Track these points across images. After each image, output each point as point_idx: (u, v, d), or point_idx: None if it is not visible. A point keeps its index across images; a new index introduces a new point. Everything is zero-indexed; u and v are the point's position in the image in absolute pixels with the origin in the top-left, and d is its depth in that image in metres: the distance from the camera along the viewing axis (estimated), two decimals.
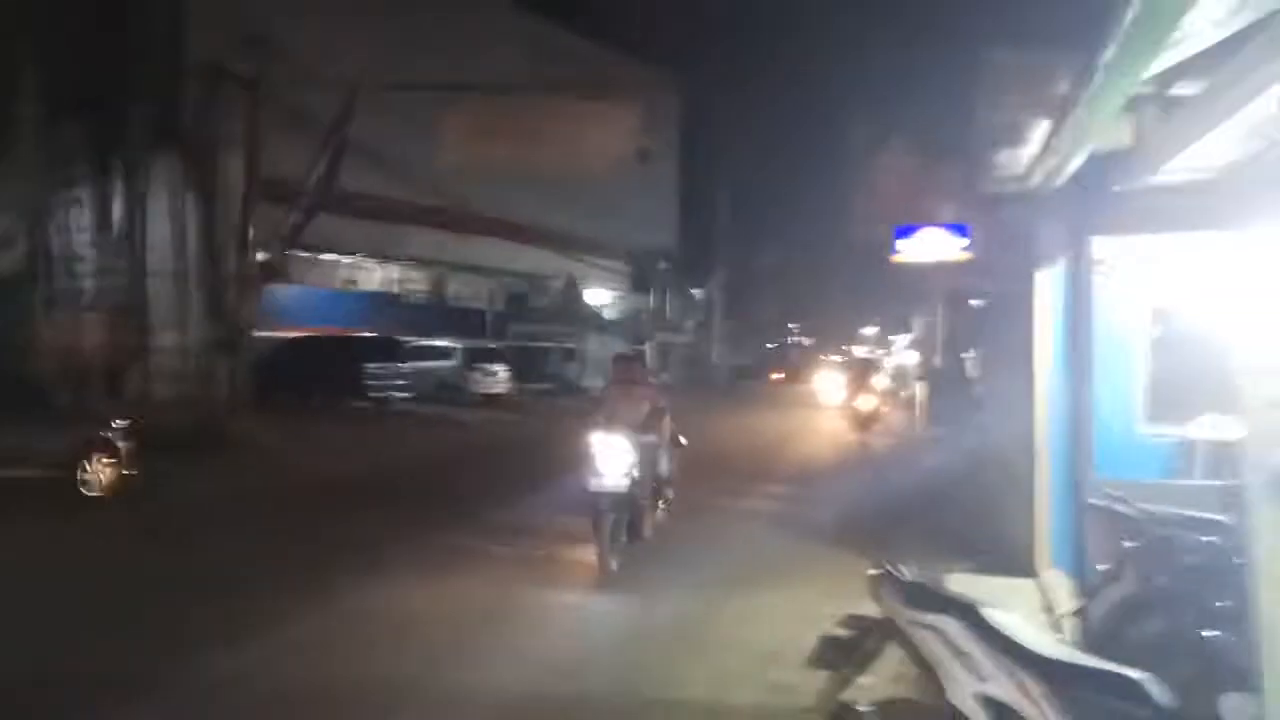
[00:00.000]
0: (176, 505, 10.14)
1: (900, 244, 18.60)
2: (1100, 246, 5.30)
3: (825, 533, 8.89)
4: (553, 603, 6.52)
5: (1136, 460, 5.94)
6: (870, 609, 3.57)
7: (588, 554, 7.33)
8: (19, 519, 8.62)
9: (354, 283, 28.18)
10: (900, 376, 24.20)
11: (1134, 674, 2.77)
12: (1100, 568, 4.51)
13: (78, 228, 14.80)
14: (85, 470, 9.91)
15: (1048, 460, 6.65)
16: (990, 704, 2.89)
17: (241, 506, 10.19)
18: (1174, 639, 3.79)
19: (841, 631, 3.47)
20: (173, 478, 11.04)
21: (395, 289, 29.89)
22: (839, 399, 28.55)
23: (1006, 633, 2.98)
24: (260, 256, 15.70)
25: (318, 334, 22.43)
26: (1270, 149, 1.38)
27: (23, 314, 14.55)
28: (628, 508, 7.53)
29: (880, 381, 24.00)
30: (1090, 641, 4.27)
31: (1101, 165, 2.60)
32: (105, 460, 10.04)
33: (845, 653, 3.43)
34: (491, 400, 25.15)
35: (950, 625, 3.06)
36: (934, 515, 8.94)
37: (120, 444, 10.13)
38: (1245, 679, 2.83)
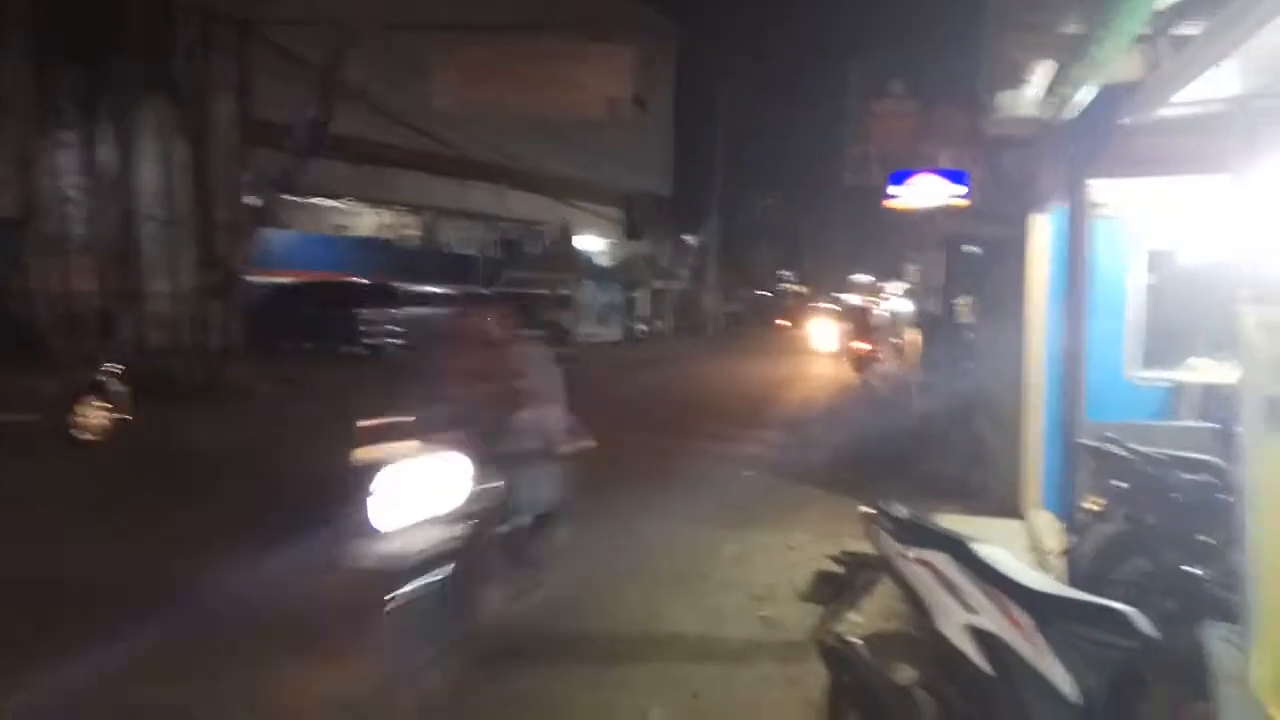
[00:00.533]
0: (169, 451, 10.17)
1: (895, 189, 18.53)
2: (1097, 190, 5.28)
3: (818, 475, 8.99)
4: None
5: (1126, 404, 6.01)
6: (864, 547, 3.65)
7: None
8: (6, 462, 8.61)
9: (345, 228, 27.98)
10: (894, 323, 24.23)
11: (1119, 607, 2.84)
12: (1089, 507, 4.57)
13: (67, 172, 14.59)
14: (77, 415, 9.84)
15: (1039, 404, 6.73)
16: (979, 635, 2.96)
17: (233, 453, 10.24)
18: (1158, 575, 3.88)
19: (835, 568, 3.53)
20: (168, 424, 11.05)
21: (387, 234, 29.71)
22: (832, 345, 28.78)
23: (996, 567, 3.04)
24: (251, 201, 15.52)
25: (312, 279, 22.31)
26: (1276, 82, 1.38)
27: (14, 258, 14.42)
28: (460, 580, 4.11)
29: (874, 327, 24.22)
30: (1077, 578, 4.35)
31: (1105, 103, 2.59)
32: (97, 405, 9.99)
33: (838, 588, 3.49)
34: None
35: (941, 560, 3.12)
36: (925, 458, 9.04)
37: (112, 389, 10.09)
38: (1226, 611, 2.91)
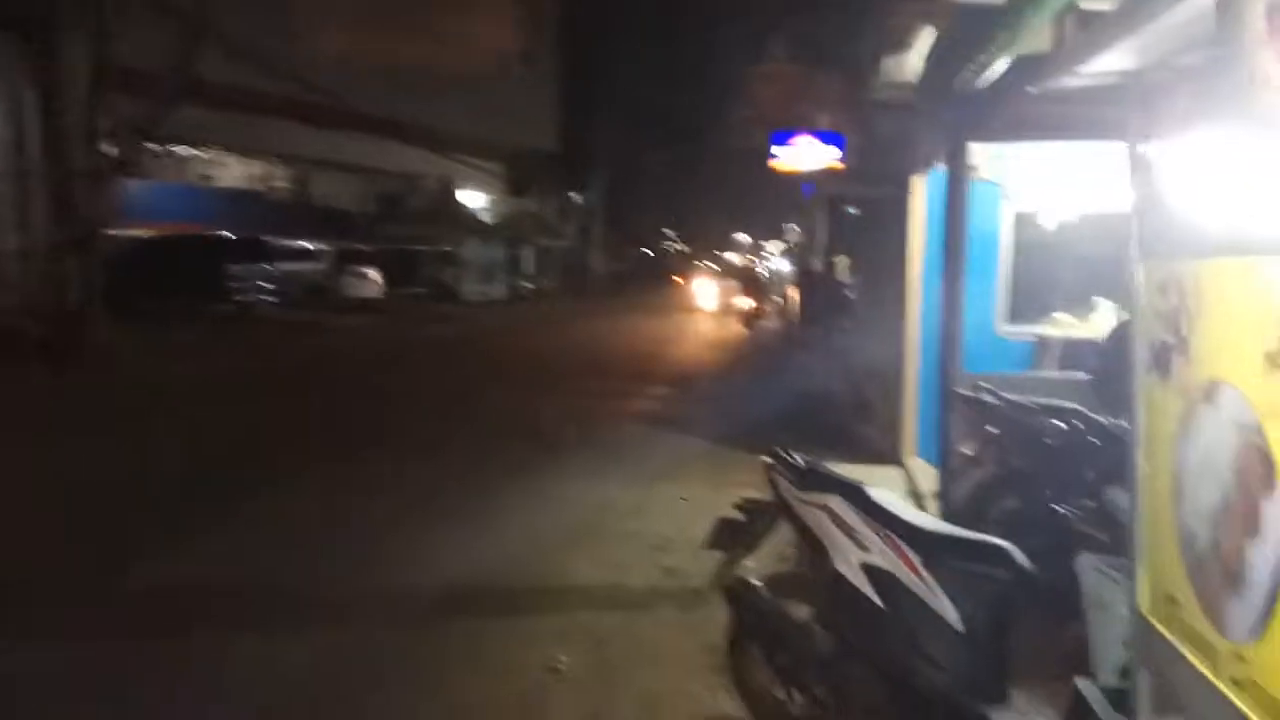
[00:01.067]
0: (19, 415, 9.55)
1: (778, 150, 18.91)
2: (973, 154, 5.56)
3: (708, 430, 9.22)
4: (448, 500, 6.57)
5: (996, 357, 6.43)
6: (760, 495, 3.83)
7: None
8: None
9: (212, 179, 26.51)
10: (776, 281, 24.93)
11: (998, 542, 3.09)
12: (965, 452, 4.89)
13: None
14: None
15: (917, 358, 7.11)
16: (872, 571, 3.16)
17: (91, 416, 9.70)
18: (1028, 514, 4.20)
19: (736, 515, 3.68)
20: (18, 384, 10.35)
21: (258, 186, 28.31)
22: (716, 303, 29.36)
23: (888, 509, 3.25)
24: (110, 149, 14.47)
25: (176, 233, 21.08)
26: (1166, 59, 1.52)
27: None
28: None
29: (758, 286, 25.00)
30: (952, 519, 4.66)
31: (999, 71, 2.76)
32: None
33: (738, 534, 3.65)
34: (364, 305, 24.42)
35: (837, 503, 3.30)
36: (809, 411, 9.39)
37: None
38: (1090, 545, 3.20)
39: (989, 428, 4.64)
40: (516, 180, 38.49)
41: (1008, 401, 4.49)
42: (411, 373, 13.92)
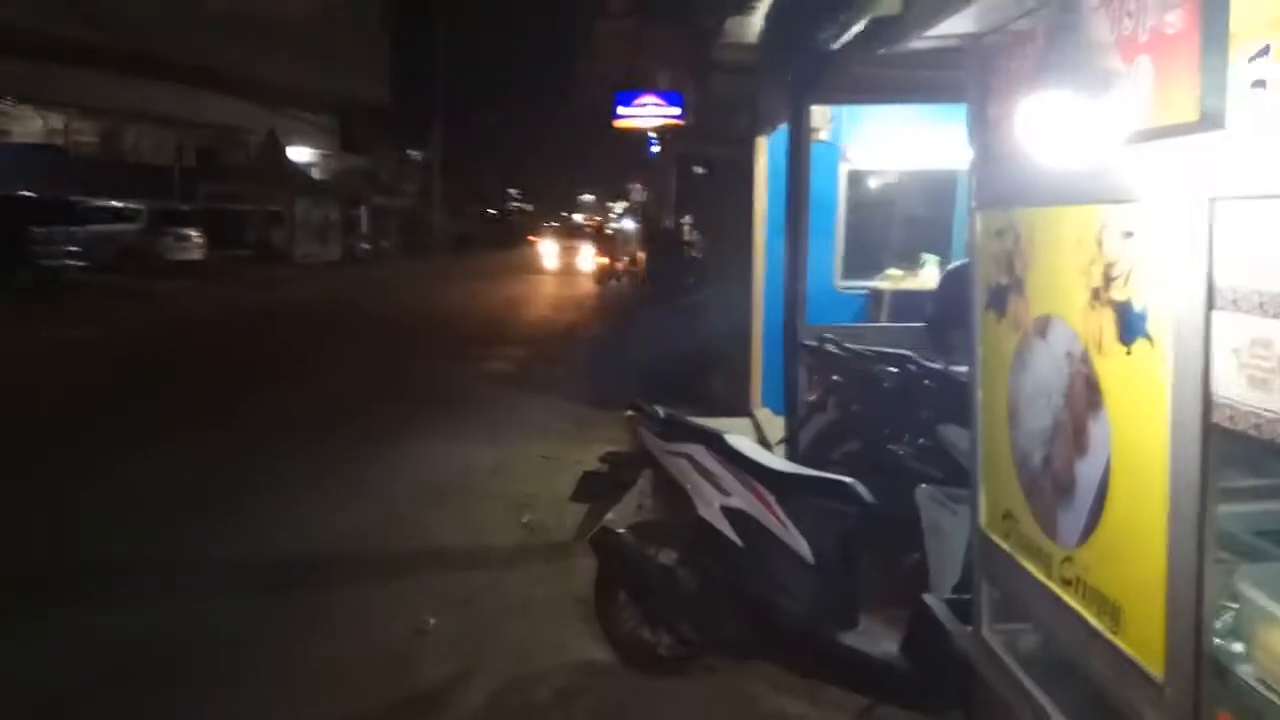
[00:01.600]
0: None
1: (622, 110, 18.96)
2: (812, 115, 5.78)
3: (564, 389, 9.28)
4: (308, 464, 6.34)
5: (835, 311, 6.79)
6: (621, 448, 3.92)
7: None
8: None
9: (7, 133, 23.93)
10: (623, 240, 25.17)
11: (844, 479, 3.32)
12: (809, 400, 5.16)
13: None
14: None
15: (762, 313, 7.39)
16: (731, 513, 3.33)
17: None
18: (868, 454, 4.49)
19: (600, 467, 3.76)
20: None
21: (59, 141, 25.79)
22: (564, 263, 29.33)
23: (745, 454, 3.42)
24: None
25: None
26: (1005, 24, 1.65)
27: None
28: None
29: (609, 245, 25.30)
30: (799, 464, 4.93)
31: (853, 33, 2.89)
32: None
33: (603, 487, 3.73)
34: (185, 268, 22.79)
35: (699, 451, 3.44)
36: (661, 368, 9.59)
37: None
38: (926, 478, 3.47)
39: (833, 377, 4.91)
40: (349, 135, 36.80)
41: (849, 350, 4.76)
42: (249, 340, 13.21)
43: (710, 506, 3.37)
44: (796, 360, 5.29)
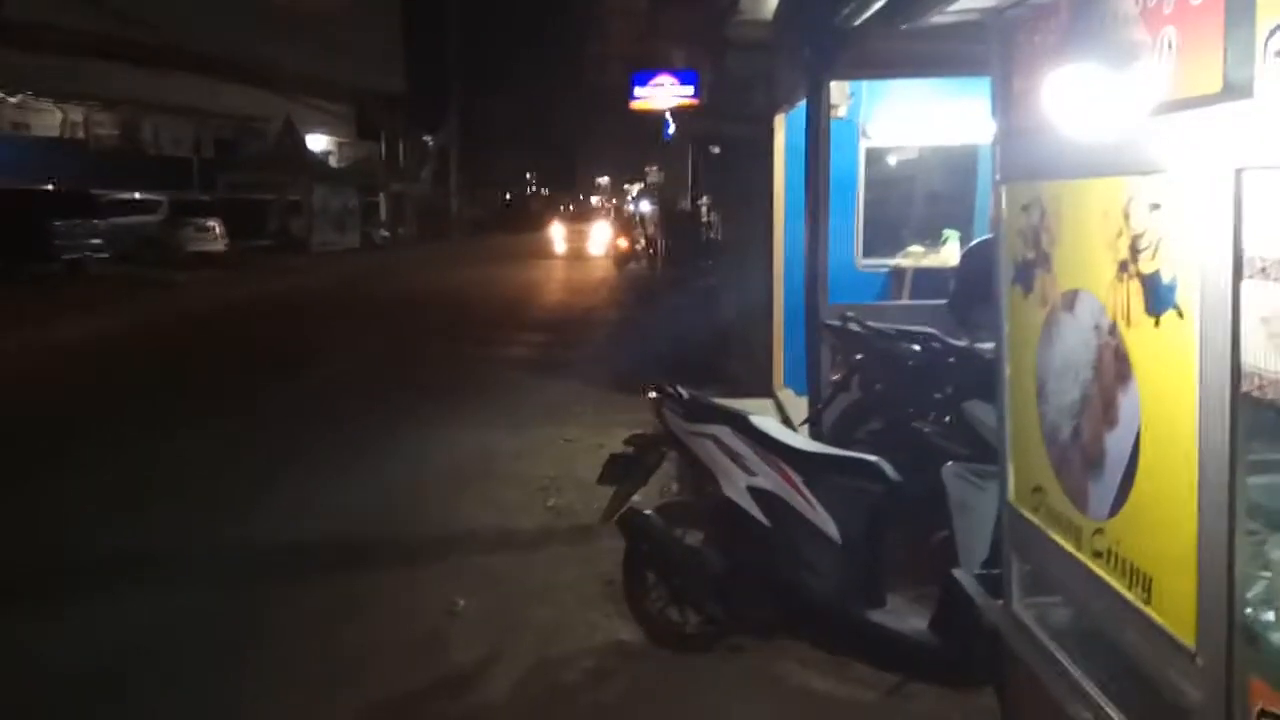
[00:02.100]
0: None
1: (638, 90, 18.86)
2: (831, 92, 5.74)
3: (585, 373, 9.31)
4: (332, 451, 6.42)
5: (856, 289, 6.76)
6: (645, 430, 3.94)
7: None
8: None
9: (26, 126, 24.16)
10: (641, 223, 25.14)
11: (869, 458, 3.32)
12: (832, 379, 5.16)
13: None
14: None
15: (782, 293, 7.37)
16: (758, 493, 3.34)
17: None
18: (892, 433, 4.49)
19: (626, 450, 3.79)
20: None
21: (79, 134, 26.01)
22: (581, 247, 29.34)
23: (770, 434, 3.43)
24: None
25: None
26: None
27: None
28: None
29: (626, 227, 25.34)
30: (823, 443, 4.93)
31: (875, 8, 2.86)
32: None
33: (629, 469, 3.76)
34: (206, 259, 22.98)
35: (724, 432, 3.46)
36: (681, 350, 9.60)
37: None
38: (949, 457, 3.47)
39: (856, 356, 4.90)
40: (365, 123, 36.86)
41: (871, 329, 4.74)
42: (270, 328, 13.33)
43: (736, 487, 3.38)
44: (818, 340, 5.28)
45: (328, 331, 12.86)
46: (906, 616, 3.14)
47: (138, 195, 22.87)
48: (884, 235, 7.20)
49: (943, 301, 4.90)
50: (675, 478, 5.14)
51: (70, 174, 21.42)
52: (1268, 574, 1.52)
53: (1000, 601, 2.25)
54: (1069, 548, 1.73)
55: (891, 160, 7.40)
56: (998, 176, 1.87)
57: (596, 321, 14.07)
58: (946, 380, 4.10)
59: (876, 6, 2.87)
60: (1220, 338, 1.34)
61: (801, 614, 3.32)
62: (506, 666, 3.50)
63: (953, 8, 1.88)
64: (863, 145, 6.93)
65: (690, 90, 17.52)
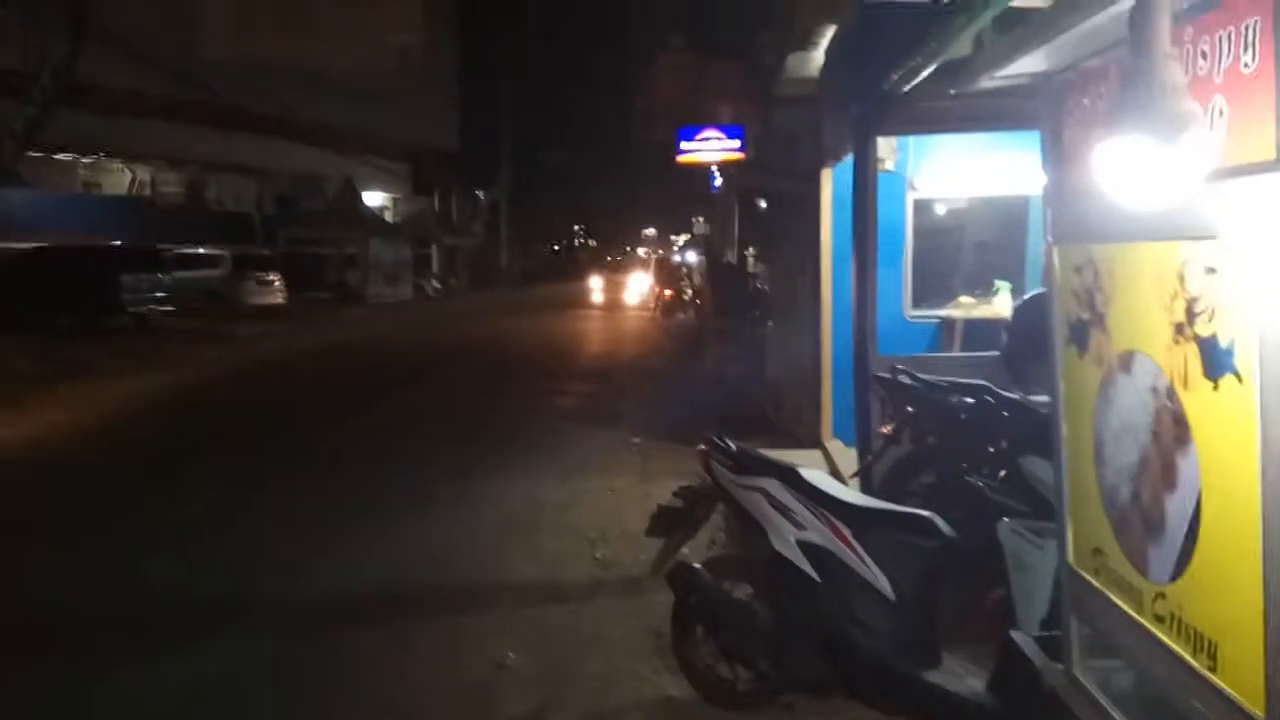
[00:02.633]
0: None
1: (685, 145, 19.15)
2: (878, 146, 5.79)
3: (631, 424, 9.34)
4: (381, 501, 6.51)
5: (905, 340, 6.72)
6: (691, 483, 3.94)
7: None
8: None
9: (97, 186, 25.25)
10: (687, 273, 25.35)
11: (922, 513, 3.28)
12: (882, 431, 5.11)
13: None
14: None
15: (831, 344, 7.36)
16: (808, 547, 3.32)
17: None
18: (945, 487, 4.43)
19: (675, 502, 3.79)
20: None
21: (147, 191, 27.11)
22: (629, 298, 29.61)
23: (820, 487, 3.41)
24: None
25: (63, 244, 20.01)
26: (1076, 62, 1.67)
27: None
28: None
29: (673, 279, 25.58)
30: (874, 497, 4.87)
31: (924, 75, 2.91)
32: None
33: (678, 521, 3.76)
34: (267, 311, 23.63)
35: (773, 485, 3.45)
36: (728, 401, 9.59)
37: None
38: (1004, 512, 3.42)
39: (907, 408, 4.86)
40: (420, 179, 37.86)
41: (922, 381, 4.71)
42: (322, 380, 13.62)
43: (785, 541, 3.36)
44: (868, 391, 5.26)
45: (383, 380, 13.08)
46: (963, 677, 3.07)
47: (201, 250, 23.68)
48: (933, 285, 7.17)
49: (995, 353, 4.85)
50: (724, 529, 5.12)
51: (137, 230, 22.26)
52: None
53: (1061, 665, 2.20)
54: (1130, 611, 1.70)
55: (940, 209, 7.40)
56: (1050, 237, 1.89)
57: (644, 371, 14.12)
58: (1000, 434, 4.05)
59: (925, 73, 2.92)
60: None
61: (854, 672, 3.26)
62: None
63: (1002, 73, 1.91)
64: (910, 197, 6.95)
65: (736, 144, 17.74)
